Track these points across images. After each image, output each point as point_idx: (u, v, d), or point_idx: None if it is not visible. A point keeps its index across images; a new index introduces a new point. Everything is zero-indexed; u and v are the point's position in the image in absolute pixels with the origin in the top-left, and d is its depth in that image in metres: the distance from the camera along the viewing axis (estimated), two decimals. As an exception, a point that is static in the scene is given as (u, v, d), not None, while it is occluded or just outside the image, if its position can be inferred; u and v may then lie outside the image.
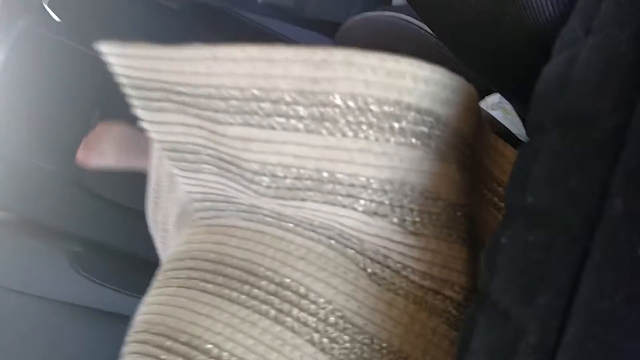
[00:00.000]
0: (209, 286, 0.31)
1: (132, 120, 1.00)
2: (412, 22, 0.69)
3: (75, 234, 1.06)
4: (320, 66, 0.25)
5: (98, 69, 1.03)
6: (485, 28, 0.31)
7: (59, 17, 1.07)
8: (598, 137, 0.17)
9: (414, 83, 0.25)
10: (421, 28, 0.69)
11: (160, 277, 0.37)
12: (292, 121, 0.26)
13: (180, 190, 0.40)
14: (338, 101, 0.25)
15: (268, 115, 0.27)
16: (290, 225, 0.31)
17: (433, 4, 0.32)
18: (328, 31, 1.01)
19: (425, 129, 0.26)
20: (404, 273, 0.29)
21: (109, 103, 1.05)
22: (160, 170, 0.47)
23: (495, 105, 0.63)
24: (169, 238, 0.48)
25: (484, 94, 0.64)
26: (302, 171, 0.28)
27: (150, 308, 0.35)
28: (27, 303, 1.03)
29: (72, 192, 1.06)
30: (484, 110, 0.63)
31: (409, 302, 0.29)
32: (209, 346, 0.29)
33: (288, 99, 0.26)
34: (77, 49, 1.03)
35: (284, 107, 0.26)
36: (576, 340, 0.16)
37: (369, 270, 0.29)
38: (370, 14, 0.81)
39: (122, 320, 1.10)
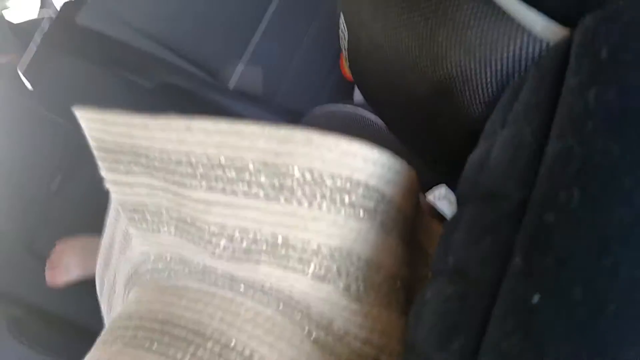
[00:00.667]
0: (155, 345, 0.32)
1: (92, 184, 1.01)
2: (367, 117, 0.76)
3: (17, 298, 1.03)
4: (282, 141, 0.28)
5: (63, 137, 1.06)
6: (425, 123, 0.35)
7: (32, 86, 1.10)
8: (506, 209, 0.21)
9: (363, 163, 0.29)
10: (375, 123, 0.76)
11: (105, 335, 0.37)
12: (254, 188, 0.29)
13: (135, 250, 0.41)
14: (296, 173, 0.28)
15: (231, 182, 0.29)
16: (241, 288, 0.33)
17: (382, 104, 0.37)
18: (293, 119, 1.07)
19: (371, 204, 0.30)
20: (346, 339, 0.31)
21: (70, 169, 1.07)
22: (115, 229, 0.48)
23: (442, 197, 0.68)
24: (115, 298, 0.49)
25: (432, 184, 0.70)
26: (258, 235, 0.30)
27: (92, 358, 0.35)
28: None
29: (20, 256, 1.04)
30: (426, 197, 0.68)
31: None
32: None
33: (251, 168, 0.29)
34: (45, 116, 1.06)
35: (247, 176, 0.29)
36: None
37: (314, 335, 0.31)
38: (332, 106, 0.87)
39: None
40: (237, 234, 0.30)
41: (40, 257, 1.06)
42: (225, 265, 0.32)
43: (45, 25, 1.21)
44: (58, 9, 1.76)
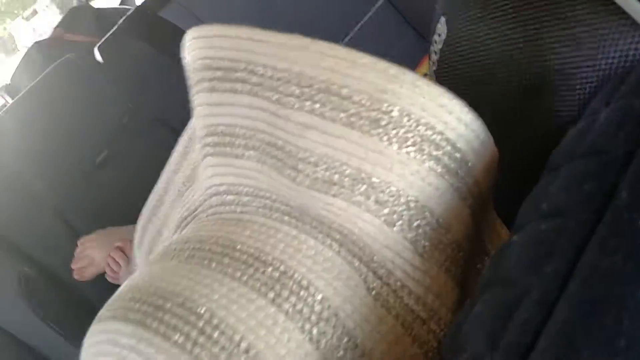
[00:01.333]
0: (213, 264, 0.32)
1: (134, 168, 1.04)
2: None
3: (34, 257, 1.04)
4: (391, 80, 0.30)
5: (120, 116, 1.09)
6: (511, 121, 0.36)
7: (103, 60, 1.16)
8: (613, 160, 0.22)
9: (457, 122, 0.30)
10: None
11: (158, 255, 0.38)
12: (352, 119, 0.30)
13: (197, 191, 0.42)
14: (395, 113, 0.30)
15: (333, 108, 0.31)
16: (307, 227, 0.33)
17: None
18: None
19: (454, 166, 0.31)
20: (400, 294, 0.31)
21: (118, 148, 1.09)
22: (173, 178, 0.49)
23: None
24: (161, 241, 0.49)
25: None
26: (344, 167, 0.31)
27: (143, 277, 0.35)
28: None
29: (49, 219, 1.05)
30: None
31: (398, 323, 0.31)
32: (202, 310, 0.30)
33: (356, 98, 0.30)
34: (106, 90, 1.10)
35: (349, 105, 0.30)
36: (575, 292, 0.19)
37: (370, 283, 0.31)
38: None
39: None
40: (324, 163, 0.31)
41: (67, 224, 1.07)
42: (302, 195, 0.33)
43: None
44: (137, 3, 1.86)
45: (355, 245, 0.32)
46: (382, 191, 0.31)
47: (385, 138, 0.30)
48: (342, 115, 0.31)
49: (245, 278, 0.31)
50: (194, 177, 0.45)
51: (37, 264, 1.04)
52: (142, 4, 1.24)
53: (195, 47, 0.37)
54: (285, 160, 0.33)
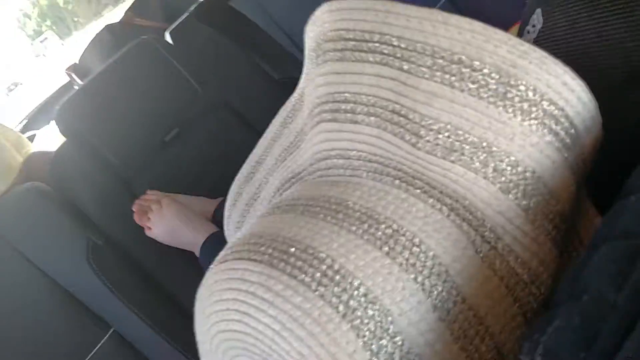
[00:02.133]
0: (329, 218, 0.35)
1: (202, 147, 1.08)
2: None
3: (103, 226, 1.09)
4: (521, 55, 0.33)
5: (191, 96, 1.14)
6: (609, 112, 0.39)
7: (174, 43, 1.21)
8: None
9: (577, 100, 0.33)
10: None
11: (270, 209, 0.41)
12: (482, 90, 0.33)
13: (305, 155, 0.45)
14: (522, 87, 0.32)
15: (464, 78, 0.34)
16: (417, 191, 0.36)
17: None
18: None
19: (569, 141, 0.33)
20: (507, 258, 0.34)
21: (188, 127, 1.15)
22: (272, 144, 0.52)
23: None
24: (256, 204, 0.52)
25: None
26: (467, 135, 0.34)
27: (263, 225, 0.38)
28: (31, 274, 1.04)
29: (119, 190, 1.11)
30: None
31: (502, 284, 0.34)
32: (323, 255, 0.33)
33: (486, 71, 0.33)
34: (179, 71, 1.15)
35: (479, 76, 0.33)
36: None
37: (478, 246, 0.34)
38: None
39: (104, 329, 1.09)
40: (447, 130, 0.34)
41: (133, 197, 1.12)
42: (420, 161, 0.36)
43: (193, 2, 1.34)
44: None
45: (466, 210, 0.34)
46: (502, 160, 0.33)
47: (510, 110, 0.33)
48: (471, 85, 0.33)
49: (360, 232, 0.34)
50: (298, 144, 0.48)
51: (104, 234, 1.10)
52: (214, -8, 1.29)
53: (330, 18, 0.40)
54: (408, 126, 0.36)
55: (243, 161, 1.02)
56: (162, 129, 1.13)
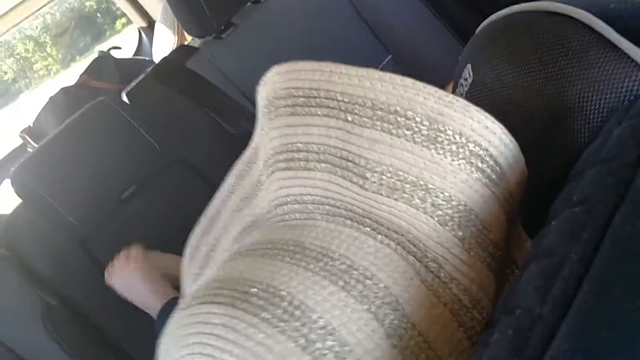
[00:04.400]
0: (287, 259, 0.38)
1: (160, 204, 1.09)
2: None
3: (59, 287, 1.07)
4: (447, 105, 0.37)
5: (147, 154, 1.16)
6: (534, 150, 0.43)
7: (130, 103, 1.24)
8: (628, 160, 0.29)
9: (499, 142, 0.37)
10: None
11: (232, 256, 0.43)
12: (415, 135, 0.37)
13: (262, 203, 0.48)
14: (450, 132, 0.37)
15: (400, 126, 0.38)
16: (367, 229, 0.39)
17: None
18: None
19: (495, 177, 0.37)
20: (449, 285, 0.37)
21: (145, 185, 1.16)
22: (228, 198, 0.55)
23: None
24: (215, 255, 0.54)
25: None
26: (406, 175, 0.38)
27: (224, 271, 0.40)
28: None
29: (75, 250, 1.10)
30: None
31: (447, 310, 0.37)
32: (284, 293, 0.35)
33: (418, 119, 0.37)
34: (136, 130, 1.17)
35: (413, 124, 0.37)
36: (607, 249, 0.25)
37: (422, 276, 0.37)
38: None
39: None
40: (389, 172, 0.38)
41: (92, 257, 1.12)
42: (367, 200, 0.39)
43: (147, 64, 1.38)
44: (153, 55, 1.96)
45: (410, 243, 0.38)
46: (437, 196, 0.37)
47: (441, 152, 0.37)
48: (407, 132, 0.38)
49: (317, 269, 0.37)
50: (255, 193, 0.51)
51: (60, 295, 1.08)
52: (169, 54, 1.33)
53: (280, 79, 0.44)
54: (355, 170, 0.40)
55: (199, 215, 1.03)
56: (120, 186, 1.13)
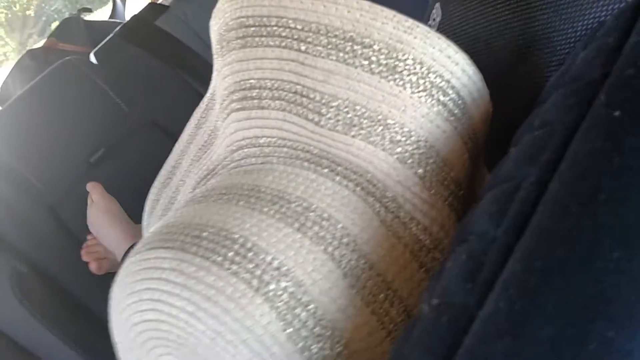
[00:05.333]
0: (241, 202, 0.36)
1: (128, 168, 1.06)
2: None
3: (28, 253, 1.05)
4: (407, 31, 0.35)
5: (116, 116, 1.13)
6: (502, 87, 0.42)
7: (99, 63, 1.20)
8: (589, 80, 0.27)
9: (462, 73, 0.35)
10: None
11: (185, 202, 0.41)
12: (373, 65, 0.35)
13: (219, 149, 0.46)
14: (409, 62, 0.35)
15: (356, 55, 0.35)
16: (325, 170, 0.37)
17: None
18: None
19: (457, 112, 0.36)
20: (409, 225, 0.36)
21: (113, 148, 1.12)
22: (186, 147, 0.52)
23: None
24: (175, 205, 0.52)
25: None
26: (363, 110, 0.36)
27: (175, 217, 0.38)
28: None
29: (43, 215, 1.07)
30: None
31: (407, 250, 0.35)
32: (236, 235, 0.33)
33: (376, 47, 0.35)
34: (105, 91, 1.13)
35: (370, 53, 0.35)
36: (565, 169, 0.24)
37: (382, 216, 0.35)
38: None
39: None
40: (345, 106, 0.36)
41: (61, 222, 1.09)
42: (324, 139, 0.37)
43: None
44: (126, 18, 1.90)
45: (369, 183, 0.36)
46: (396, 131, 0.35)
47: (400, 83, 0.35)
48: (364, 62, 0.35)
49: (272, 212, 0.35)
50: (212, 141, 0.49)
51: (29, 261, 1.05)
52: (138, 13, 1.29)
53: (230, 8, 0.41)
54: (310, 106, 0.37)
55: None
56: (88, 149, 1.10)
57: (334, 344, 0.32)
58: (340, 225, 0.34)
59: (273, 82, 0.39)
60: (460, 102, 0.36)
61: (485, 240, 0.25)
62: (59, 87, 1.10)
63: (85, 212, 1.08)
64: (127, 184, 1.12)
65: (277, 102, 0.39)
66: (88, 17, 1.83)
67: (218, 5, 0.43)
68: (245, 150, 0.42)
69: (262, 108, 0.40)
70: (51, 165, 1.07)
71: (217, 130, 0.47)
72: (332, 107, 0.37)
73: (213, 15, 0.44)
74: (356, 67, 0.36)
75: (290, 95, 0.39)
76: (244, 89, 0.41)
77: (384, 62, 0.35)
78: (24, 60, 1.52)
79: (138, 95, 1.17)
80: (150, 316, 0.34)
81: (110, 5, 1.97)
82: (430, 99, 0.35)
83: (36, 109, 1.08)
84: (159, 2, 1.44)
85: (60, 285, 1.07)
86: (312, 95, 0.37)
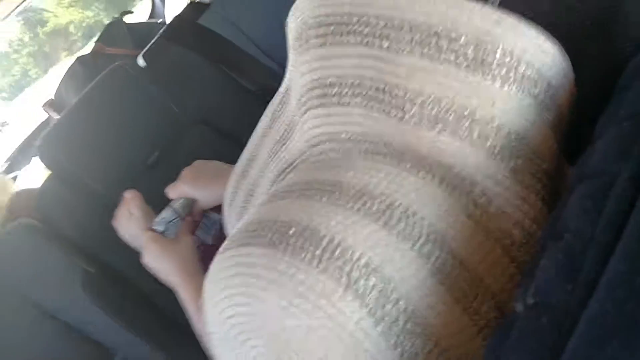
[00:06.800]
0: (324, 199, 0.36)
1: (181, 160, 1.05)
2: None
3: (94, 255, 1.09)
4: (495, 23, 0.34)
5: (168, 117, 1.15)
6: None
7: (147, 66, 1.22)
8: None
9: (552, 62, 0.35)
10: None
11: (266, 198, 0.41)
12: (460, 60, 0.35)
13: (297, 144, 0.46)
14: (499, 53, 0.34)
15: (442, 50, 0.35)
16: (407, 165, 0.37)
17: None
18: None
19: (548, 102, 0.35)
20: (499, 219, 0.35)
21: (168, 148, 1.15)
22: (262, 140, 0.52)
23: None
24: (254, 199, 0.52)
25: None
26: (449, 104, 0.35)
27: (260, 213, 0.39)
28: (26, 308, 1.04)
29: (106, 218, 1.11)
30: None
31: (498, 245, 0.34)
32: (323, 233, 0.33)
33: (463, 41, 0.34)
34: (154, 94, 1.16)
35: (457, 46, 0.35)
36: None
37: (470, 212, 0.35)
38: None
39: (107, 356, 1.09)
40: (431, 102, 0.35)
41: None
42: (407, 135, 0.37)
43: (159, 27, 1.35)
44: (166, 17, 1.93)
45: (456, 177, 0.36)
46: (485, 125, 0.35)
47: (489, 76, 0.34)
48: (450, 56, 0.35)
49: (356, 208, 0.35)
50: (289, 135, 0.49)
51: (97, 262, 1.10)
52: (180, 13, 1.30)
53: (309, 6, 0.41)
54: (392, 102, 0.37)
55: (227, 176, 1.02)
56: (143, 153, 1.13)
57: (425, 341, 0.32)
58: (426, 222, 0.34)
59: (354, 79, 0.39)
60: (550, 92, 0.35)
61: (582, 238, 0.25)
62: (111, 93, 1.13)
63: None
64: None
65: (358, 99, 0.39)
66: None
67: (297, 2, 0.43)
68: (326, 145, 0.42)
69: (343, 105, 0.40)
70: (110, 169, 1.11)
71: (294, 125, 0.47)
72: (416, 103, 0.36)
73: (291, 12, 0.43)
74: (442, 63, 0.35)
75: (372, 92, 0.38)
76: (323, 87, 0.41)
77: (472, 56, 0.35)
78: (75, 66, 1.56)
79: (187, 95, 1.19)
80: (244, 310, 0.35)
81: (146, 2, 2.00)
82: (520, 91, 0.34)
83: (91, 116, 1.12)
84: (197, 0, 1.45)
85: (128, 283, 1.11)
86: (395, 92, 0.37)
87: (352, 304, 0.31)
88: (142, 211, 1.00)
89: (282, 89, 0.50)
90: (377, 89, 0.38)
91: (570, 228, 0.26)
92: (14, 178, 1.73)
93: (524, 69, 0.34)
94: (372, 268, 0.32)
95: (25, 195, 1.22)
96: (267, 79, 1.22)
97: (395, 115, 0.37)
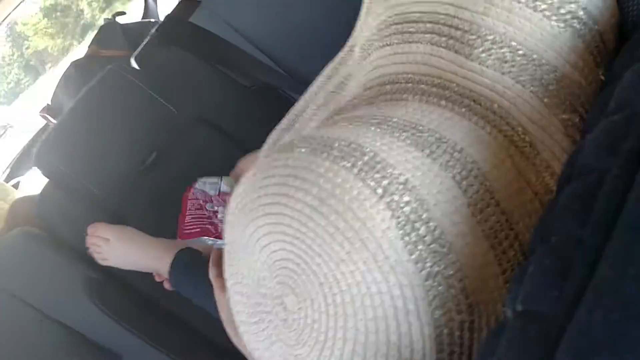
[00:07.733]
0: (372, 127, 0.36)
1: (182, 166, 1.06)
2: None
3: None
4: None
5: (164, 118, 1.14)
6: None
7: (140, 68, 1.21)
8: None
9: (603, 5, 0.35)
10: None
11: (326, 119, 0.42)
12: (538, 2, 0.35)
13: (353, 89, 0.46)
14: (573, 6, 0.34)
15: None
16: (462, 110, 0.37)
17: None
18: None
19: (580, 27, 0.35)
20: (544, 174, 0.35)
21: (165, 149, 1.14)
22: (313, 97, 0.52)
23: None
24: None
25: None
26: (519, 47, 0.35)
27: (303, 134, 0.39)
28: (30, 315, 1.04)
29: (106, 221, 1.11)
30: None
31: (536, 199, 0.34)
32: (367, 149, 0.34)
33: None
34: (149, 94, 1.15)
35: None
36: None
37: (516, 161, 0.35)
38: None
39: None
40: (501, 40, 0.36)
41: (121, 224, 1.12)
42: (470, 76, 0.37)
43: (153, 26, 1.34)
44: (160, 17, 1.92)
45: (508, 125, 0.36)
46: (549, 74, 0.35)
47: (562, 25, 0.35)
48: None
49: (403, 137, 0.35)
50: (343, 87, 0.49)
51: (101, 267, 1.09)
52: (171, 12, 1.29)
53: (396, 3, 0.41)
54: (463, 38, 0.37)
55: (226, 173, 1.01)
56: (141, 154, 1.12)
57: (448, 265, 0.31)
58: (471, 160, 0.34)
59: (429, 14, 0.39)
60: (595, 27, 0.35)
61: (570, 242, 0.23)
62: (106, 96, 1.13)
63: (144, 214, 1.12)
64: (184, 182, 1.14)
65: (428, 35, 0.39)
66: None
67: None
68: (383, 87, 0.42)
69: (410, 42, 0.40)
70: (108, 172, 1.11)
71: (351, 76, 0.48)
72: (487, 40, 0.36)
73: None
74: (520, 2, 0.35)
75: (445, 28, 0.38)
76: (397, 24, 0.41)
77: (550, 1, 0.35)
78: (69, 70, 1.56)
79: (182, 94, 1.18)
80: (274, 210, 0.34)
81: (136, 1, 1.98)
82: (588, 45, 0.35)
83: (86, 121, 1.11)
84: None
85: (132, 287, 1.11)
86: (467, 28, 0.37)
87: (384, 212, 0.31)
88: (110, 229, 1.00)
89: (345, 49, 0.50)
90: (450, 25, 0.38)
91: (557, 230, 0.25)
92: (16, 185, 1.73)
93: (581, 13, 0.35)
94: (410, 187, 0.32)
95: (25, 202, 1.22)
96: (262, 74, 1.21)
97: (463, 52, 0.37)
